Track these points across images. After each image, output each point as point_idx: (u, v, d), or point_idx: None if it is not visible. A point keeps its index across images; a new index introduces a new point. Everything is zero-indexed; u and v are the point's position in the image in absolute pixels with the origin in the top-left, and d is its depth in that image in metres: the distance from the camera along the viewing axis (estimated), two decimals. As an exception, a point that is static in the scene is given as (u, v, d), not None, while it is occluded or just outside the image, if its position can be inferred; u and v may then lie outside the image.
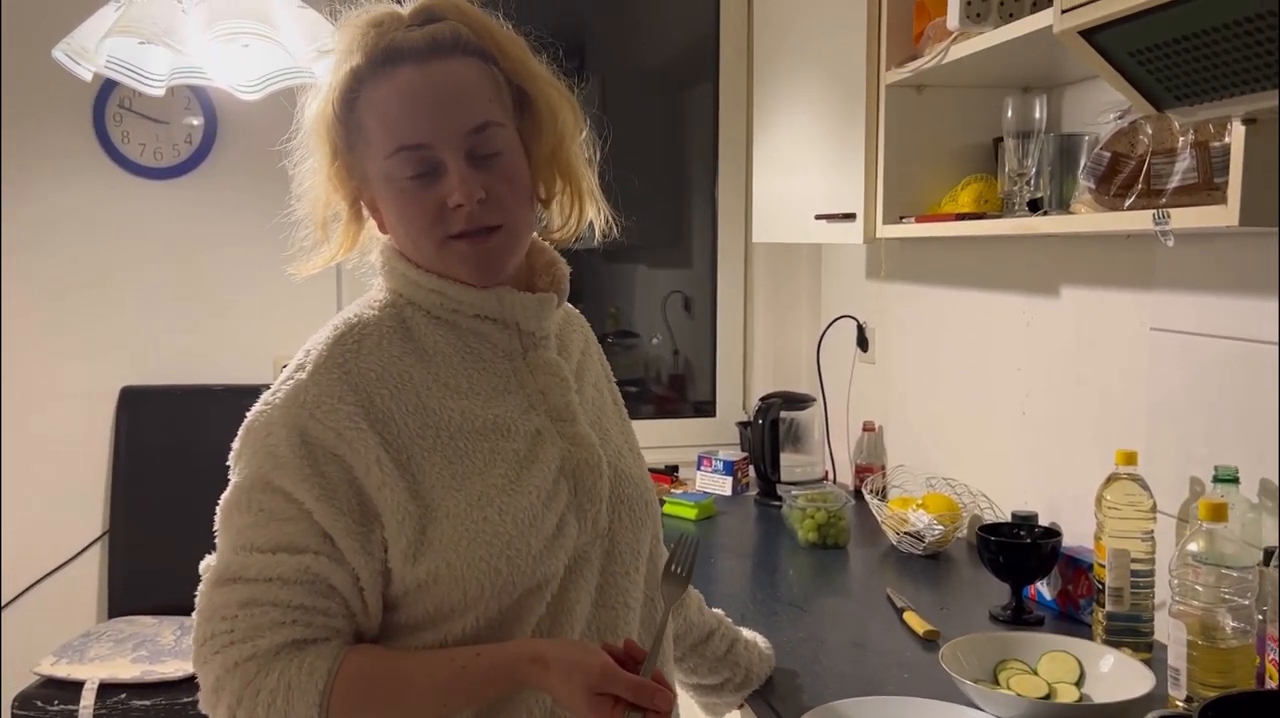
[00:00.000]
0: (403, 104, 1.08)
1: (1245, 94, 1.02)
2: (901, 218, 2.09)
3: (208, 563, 1.09)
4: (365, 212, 1.18)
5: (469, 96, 1.10)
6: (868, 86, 2.11)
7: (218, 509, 1.09)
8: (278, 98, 2.12)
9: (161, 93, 2.07)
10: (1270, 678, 1.32)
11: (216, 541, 1.09)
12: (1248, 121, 1.14)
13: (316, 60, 1.93)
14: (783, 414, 2.71)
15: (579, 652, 1.04)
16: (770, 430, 2.68)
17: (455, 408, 1.10)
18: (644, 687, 1.02)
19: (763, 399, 2.76)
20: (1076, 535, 1.86)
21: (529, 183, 1.16)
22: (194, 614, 1.07)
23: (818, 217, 2.32)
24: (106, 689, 2.46)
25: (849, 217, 2.19)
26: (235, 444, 1.09)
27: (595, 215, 1.25)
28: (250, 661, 1.03)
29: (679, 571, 1.17)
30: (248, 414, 1.09)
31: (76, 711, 2.42)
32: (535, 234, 1.23)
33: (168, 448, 2.90)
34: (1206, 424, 1.64)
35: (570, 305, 1.32)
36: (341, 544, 1.04)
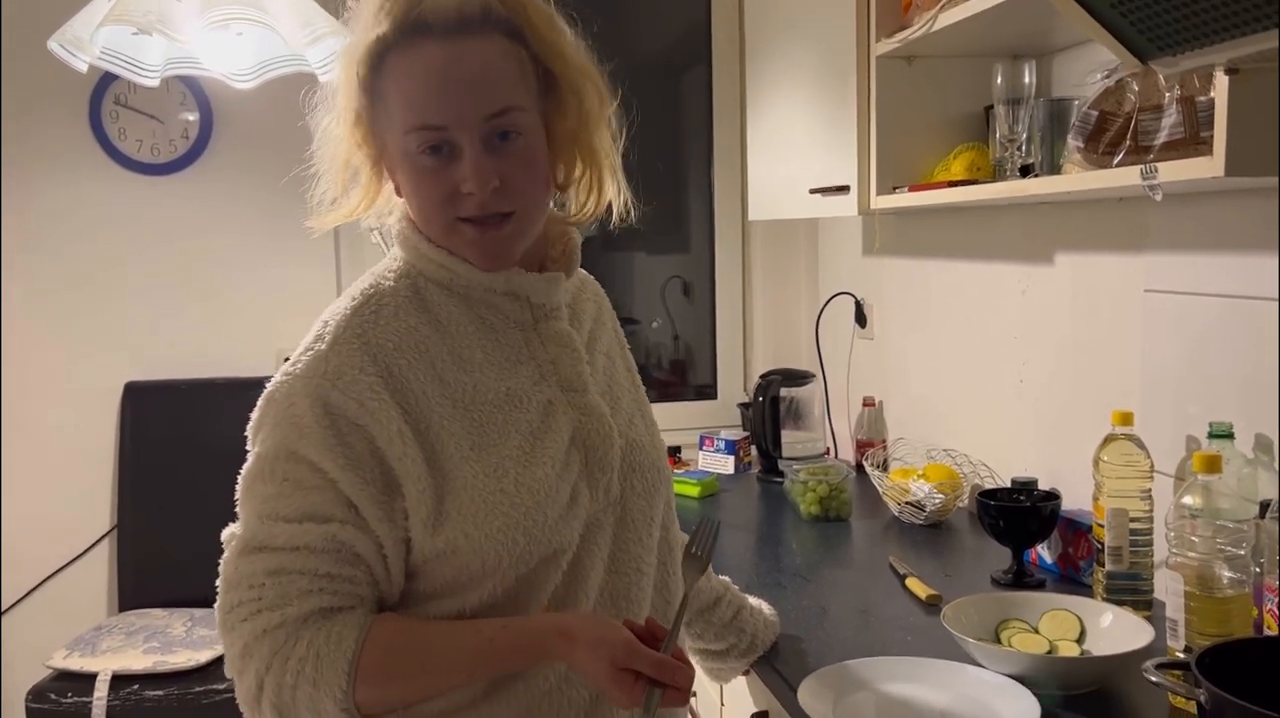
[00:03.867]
0: (424, 83, 1.07)
1: (1226, 40, 1.02)
2: (895, 188, 2.09)
3: (231, 532, 1.10)
4: (386, 173, 1.17)
5: (491, 79, 1.08)
6: (858, 58, 2.11)
7: (239, 479, 1.10)
8: (272, 91, 2.13)
9: (156, 83, 2.07)
10: (1269, 628, 1.33)
11: (238, 510, 1.10)
12: (1230, 72, 1.15)
13: (310, 47, 1.93)
14: (783, 392, 2.72)
15: (604, 628, 1.06)
16: (770, 407, 2.69)
17: (469, 380, 1.11)
18: (665, 664, 1.03)
19: (762, 377, 2.76)
20: (1077, 500, 1.86)
21: (547, 166, 1.15)
22: (219, 582, 1.08)
23: (812, 190, 2.33)
24: (119, 681, 2.48)
25: (843, 189, 2.20)
26: (255, 415, 1.10)
27: (615, 197, 1.23)
28: (279, 628, 1.04)
29: (698, 552, 1.18)
30: (268, 385, 1.10)
31: (90, 702, 2.44)
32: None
33: (173, 442, 2.92)
34: (1201, 382, 1.65)
35: (585, 273, 1.33)
36: (366, 513, 1.06)
